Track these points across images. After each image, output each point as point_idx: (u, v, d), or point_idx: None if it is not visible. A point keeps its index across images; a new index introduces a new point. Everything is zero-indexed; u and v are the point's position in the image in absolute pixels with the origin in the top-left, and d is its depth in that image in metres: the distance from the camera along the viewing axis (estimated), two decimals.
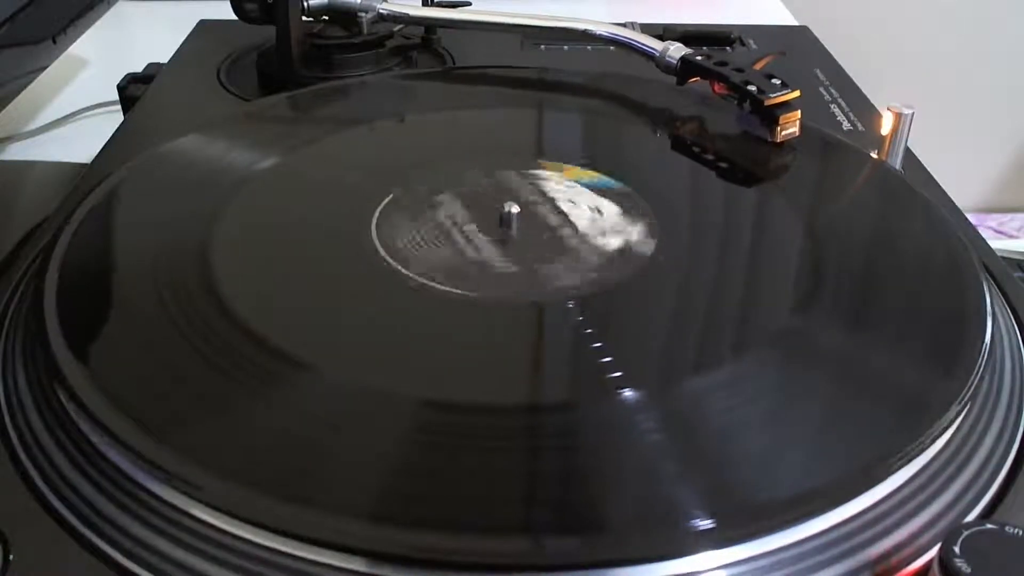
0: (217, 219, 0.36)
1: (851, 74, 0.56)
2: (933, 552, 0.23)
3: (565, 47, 0.58)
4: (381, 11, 0.53)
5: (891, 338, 0.31)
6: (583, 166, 0.40)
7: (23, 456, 0.27)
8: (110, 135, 0.47)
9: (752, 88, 0.42)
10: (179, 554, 0.24)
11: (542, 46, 0.59)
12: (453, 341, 0.31)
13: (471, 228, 0.36)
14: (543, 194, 0.38)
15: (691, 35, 0.59)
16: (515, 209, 0.36)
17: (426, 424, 0.27)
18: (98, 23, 0.60)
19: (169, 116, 0.49)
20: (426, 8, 0.56)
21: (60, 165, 0.53)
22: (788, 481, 0.25)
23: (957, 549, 0.22)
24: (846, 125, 0.49)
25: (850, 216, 0.38)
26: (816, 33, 0.63)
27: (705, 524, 0.23)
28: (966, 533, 0.22)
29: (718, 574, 0.23)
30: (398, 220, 0.36)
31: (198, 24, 0.62)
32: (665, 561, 0.23)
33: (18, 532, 0.25)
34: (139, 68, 0.56)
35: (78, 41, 0.57)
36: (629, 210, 0.37)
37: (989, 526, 0.22)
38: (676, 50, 0.47)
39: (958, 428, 0.27)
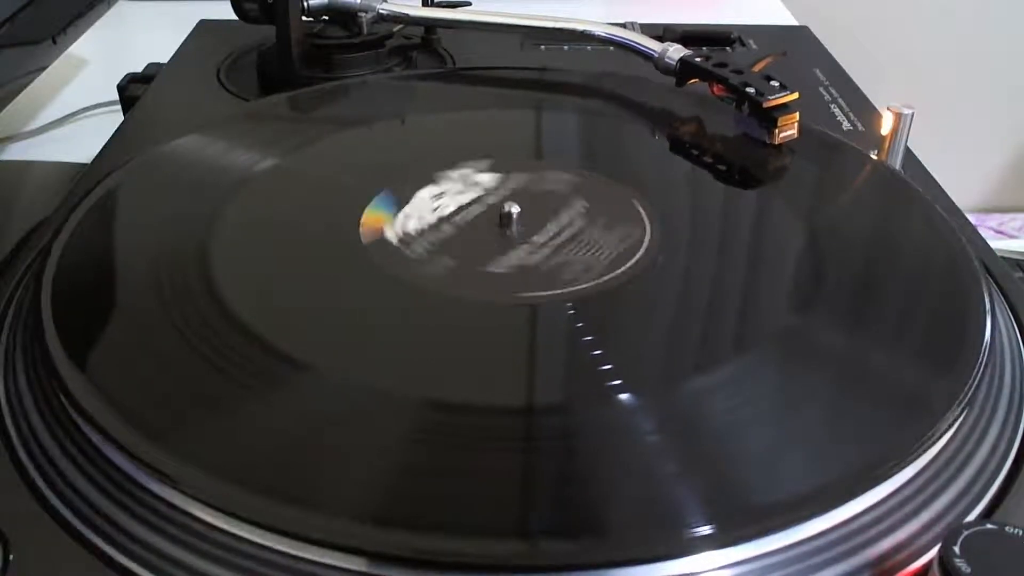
0: (216, 219, 0.36)
1: (851, 74, 0.56)
2: (933, 552, 0.23)
3: (565, 47, 0.58)
4: (381, 11, 0.53)
5: (891, 338, 0.31)
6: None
7: (23, 456, 0.27)
8: (110, 135, 0.47)
9: (750, 90, 0.42)
10: (179, 554, 0.24)
11: (542, 46, 0.59)
12: (453, 342, 0.31)
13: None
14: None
15: (691, 35, 0.59)
16: (515, 209, 0.36)
17: (426, 425, 0.27)
18: (98, 23, 0.60)
19: (169, 116, 0.49)
20: (426, 8, 0.56)
21: (60, 165, 0.53)
22: (788, 482, 0.25)
23: (957, 549, 0.22)
24: (846, 125, 0.49)
25: (850, 216, 0.38)
26: (816, 33, 0.63)
27: (705, 525, 0.23)
28: (966, 533, 0.22)
29: (718, 575, 0.23)
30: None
31: (198, 24, 0.62)
32: (665, 562, 0.23)
33: (18, 532, 0.25)
34: (139, 68, 0.56)
35: (78, 41, 0.57)
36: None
37: (989, 526, 0.22)
38: (675, 51, 0.47)
39: (958, 428, 0.27)
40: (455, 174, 0.39)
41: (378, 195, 0.37)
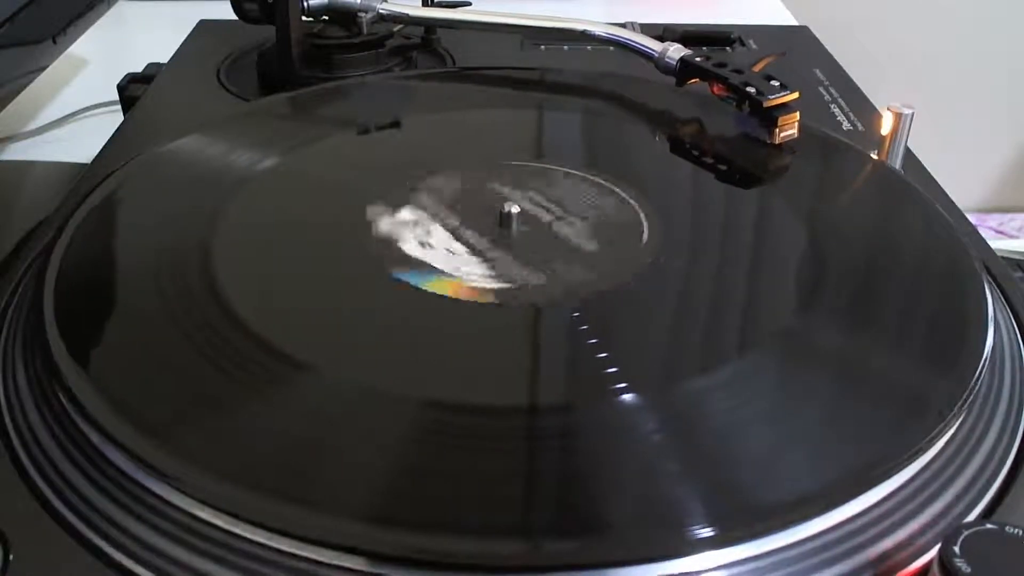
0: (217, 219, 0.36)
1: (851, 74, 0.56)
2: (933, 552, 0.23)
3: (565, 47, 0.58)
4: (381, 11, 0.53)
5: (891, 339, 0.31)
6: None
7: (23, 456, 0.27)
8: (110, 135, 0.47)
9: (751, 90, 0.42)
10: (179, 553, 0.24)
11: (542, 46, 0.59)
12: (453, 342, 0.31)
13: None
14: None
15: (691, 35, 0.59)
16: (515, 209, 0.36)
17: (427, 425, 0.27)
18: (98, 23, 0.60)
19: (169, 116, 0.49)
20: (426, 8, 0.56)
21: (60, 165, 0.53)
22: (789, 481, 0.25)
23: (957, 549, 0.22)
24: (846, 125, 0.49)
25: (850, 217, 0.38)
26: (816, 33, 0.63)
27: (705, 525, 0.23)
28: (966, 533, 0.22)
29: (718, 574, 0.23)
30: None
31: (198, 24, 0.62)
32: (665, 561, 0.23)
33: (18, 532, 0.25)
34: (139, 68, 0.56)
35: (78, 41, 0.57)
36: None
37: (989, 526, 0.22)
38: (675, 51, 0.47)
39: (958, 428, 0.27)
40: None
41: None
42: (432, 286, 0.33)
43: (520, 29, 0.54)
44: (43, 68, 0.55)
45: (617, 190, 0.39)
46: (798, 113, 0.42)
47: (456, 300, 0.32)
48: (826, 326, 0.31)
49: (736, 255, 0.35)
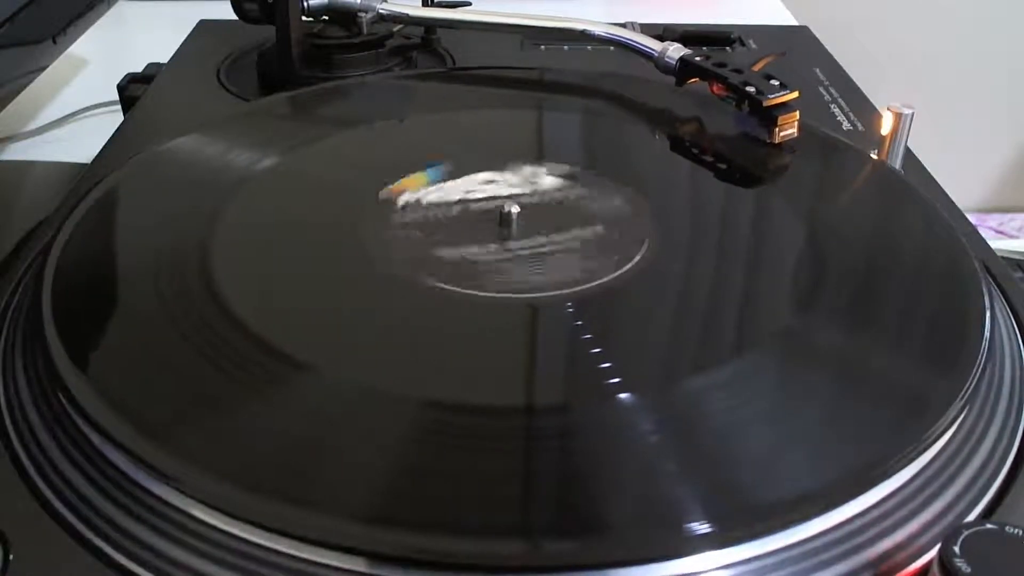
0: (216, 219, 0.36)
1: (851, 74, 0.56)
2: (933, 552, 0.23)
3: (565, 47, 0.58)
4: (381, 11, 0.53)
5: (891, 338, 0.31)
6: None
7: (23, 456, 0.27)
8: (110, 135, 0.47)
9: (750, 89, 0.42)
10: (179, 554, 0.24)
11: (542, 46, 0.59)
12: (453, 342, 0.31)
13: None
14: (542, 194, 0.38)
15: (691, 35, 0.59)
16: (515, 209, 0.36)
17: (426, 425, 0.27)
18: (98, 23, 0.60)
19: (169, 116, 0.49)
20: (426, 8, 0.56)
21: (60, 165, 0.53)
22: (788, 482, 0.25)
23: (957, 549, 0.22)
24: (846, 125, 0.49)
25: (850, 217, 0.38)
26: (816, 33, 0.63)
27: (704, 525, 0.23)
28: (966, 533, 0.22)
29: (718, 575, 0.23)
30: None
31: (198, 24, 0.62)
32: (665, 562, 0.23)
33: (18, 532, 0.25)
34: (139, 68, 0.56)
35: (78, 41, 0.57)
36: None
37: (989, 526, 0.22)
38: (675, 51, 0.47)
39: (958, 428, 0.27)
40: (509, 169, 0.40)
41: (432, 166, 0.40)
42: (409, 175, 0.38)
43: (520, 29, 0.54)
44: (43, 68, 0.55)
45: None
46: (798, 112, 0.42)
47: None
48: (826, 326, 0.31)
49: (736, 255, 0.35)
